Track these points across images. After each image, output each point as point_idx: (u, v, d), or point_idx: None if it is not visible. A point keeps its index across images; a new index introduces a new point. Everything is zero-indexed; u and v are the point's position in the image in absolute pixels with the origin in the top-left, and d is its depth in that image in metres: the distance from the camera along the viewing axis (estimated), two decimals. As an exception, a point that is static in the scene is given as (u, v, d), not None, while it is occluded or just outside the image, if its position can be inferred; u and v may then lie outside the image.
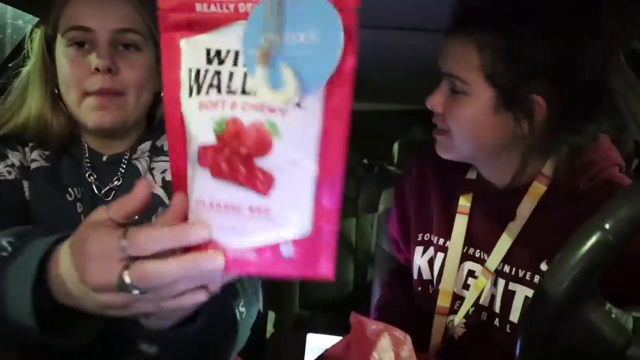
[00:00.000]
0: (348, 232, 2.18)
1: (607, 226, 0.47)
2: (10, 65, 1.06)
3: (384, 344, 0.61)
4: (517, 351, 0.55)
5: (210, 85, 0.39)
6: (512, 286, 0.78)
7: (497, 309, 0.80)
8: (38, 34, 0.78)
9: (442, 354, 0.85)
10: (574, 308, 0.50)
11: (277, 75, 0.37)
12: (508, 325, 0.78)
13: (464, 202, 0.85)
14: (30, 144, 0.78)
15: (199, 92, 0.39)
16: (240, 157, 0.37)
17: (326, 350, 0.67)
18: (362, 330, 0.63)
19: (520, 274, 0.77)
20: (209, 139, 0.38)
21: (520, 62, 0.68)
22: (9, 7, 0.94)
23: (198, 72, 0.39)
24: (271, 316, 2.05)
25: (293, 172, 0.37)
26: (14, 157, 0.77)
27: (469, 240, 0.84)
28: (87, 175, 0.79)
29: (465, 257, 0.84)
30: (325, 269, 0.38)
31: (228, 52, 0.39)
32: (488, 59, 0.70)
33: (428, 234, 0.90)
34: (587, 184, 0.75)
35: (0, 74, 1.07)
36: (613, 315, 0.51)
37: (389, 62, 1.34)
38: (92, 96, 0.72)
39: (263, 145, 0.36)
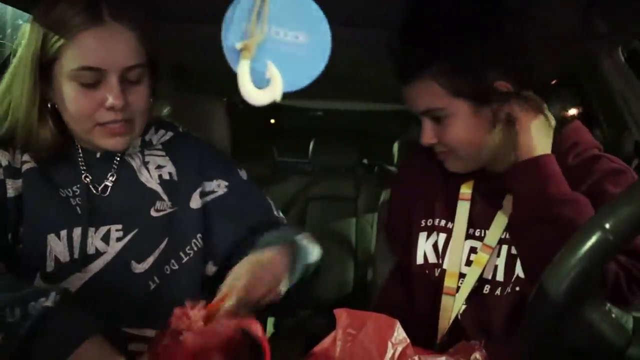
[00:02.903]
0: (348, 232, 2.18)
1: (607, 226, 0.46)
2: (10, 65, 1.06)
3: (371, 329, 0.61)
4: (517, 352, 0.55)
5: None
6: (514, 250, 0.85)
7: (500, 277, 0.87)
8: (32, 49, 0.74)
9: (447, 335, 0.88)
10: (574, 308, 0.50)
11: (261, 71, 0.37)
12: (509, 288, 0.85)
13: (466, 190, 0.92)
14: (20, 146, 0.79)
15: None
16: None
17: (314, 349, 0.67)
18: (347, 321, 0.63)
19: None
20: None
21: (469, 70, 0.81)
22: (9, 7, 0.94)
23: None
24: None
25: None
26: (3, 158, 0.78)
27: (470, 222, 0.91)
28: (83, 176, 0.81)
29: (466, 237, 0.91)
30: None
31: None
32: (447, 83, 0.81)
33: (431, 219, 0.96)
34: (575, 159, 0.85)
35: (1, 73, 1.06)
36: (613, 315, 0.51)
37: (388, 62, 1.33)
38: (104, 126, 0.76)
39: None
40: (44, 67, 0.75)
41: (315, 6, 0.38)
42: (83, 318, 0.63)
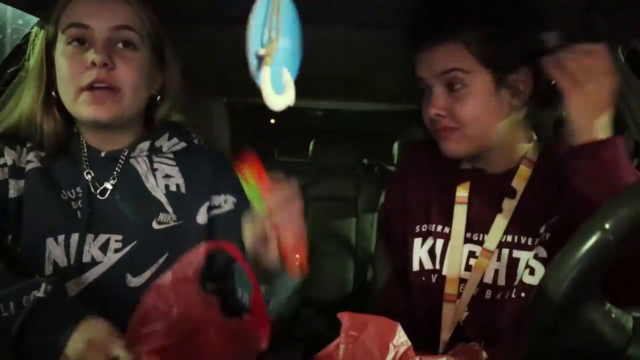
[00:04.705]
0: (348, 232, 2.18)
1: (607, 226, 0.47)
2: (10, 65, 1.06)
3: (372, 331, 0.61)
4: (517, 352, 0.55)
5: None
6: (515, 253, 0.84)
7: (502, 281, 0.85)
8: (40, 36, 0.79)
9: (450, 342, 0.87)
10: (574, 308, 0.50)
11: (278, 78, 0.40)
12: (512, 292, 0.83)
13: (462, 192, 0.91)
14: (28, 145, 0.79)
15: None
16: None
17: (318, 354, 0.67)
18: (350, 323, 0.64)
19: (523, 240, 0.85)
20: None
21: (503, 42, 0.79)
22: (9, 7, 0.95)
23: None
24: (271, 316, 2.04)
25: None
26: (9, 157, 0.78)
27: (468, 226, 0.89)
28: (85, 173, 0.80)
29: (465, 241, 0.89)
30: None
31: None
32: (478, 50, 0.79)
33: (426, 225, 0.94)
34: None
35: (1, 74, 1.07)
36: (613, 315, 0.51)
37: (389, 62, 1.33)
38: (87, 91, 0.74)
39: None
40: (50, 48, 0.77)
41: (296, 15, 0.42)
42: (74, 305, 0.63)
